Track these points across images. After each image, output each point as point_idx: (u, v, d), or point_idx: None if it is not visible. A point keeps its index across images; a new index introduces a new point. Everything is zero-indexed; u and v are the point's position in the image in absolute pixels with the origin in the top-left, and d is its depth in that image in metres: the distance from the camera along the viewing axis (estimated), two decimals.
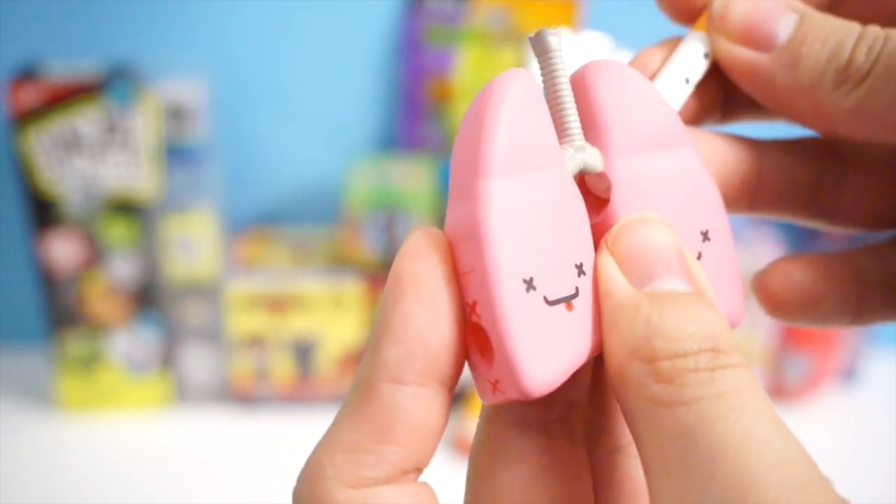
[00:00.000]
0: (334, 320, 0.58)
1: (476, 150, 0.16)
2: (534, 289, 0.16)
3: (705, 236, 0.18)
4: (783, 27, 0.19)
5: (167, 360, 0.60)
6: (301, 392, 0.60)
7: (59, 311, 0.57)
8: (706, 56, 0.20)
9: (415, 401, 0.16)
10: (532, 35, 0.17)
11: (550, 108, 0.18)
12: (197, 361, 0.60)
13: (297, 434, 0.58)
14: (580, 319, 0.16)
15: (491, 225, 0.15)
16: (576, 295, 0.16)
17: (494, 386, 0.16)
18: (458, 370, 0.16)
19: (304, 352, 0.59)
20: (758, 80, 0.19)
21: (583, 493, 0.18)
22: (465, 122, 0.17)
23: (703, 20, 0.21)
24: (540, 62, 0.18)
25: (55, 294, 0.56)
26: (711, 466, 0.14)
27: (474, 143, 0.16)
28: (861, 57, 0.18)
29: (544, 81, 0.18)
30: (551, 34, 0.17)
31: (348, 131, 0.65)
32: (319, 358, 0.59)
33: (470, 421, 0.55)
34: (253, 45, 0.61)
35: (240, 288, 0.57)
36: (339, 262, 0.59)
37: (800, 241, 0.60)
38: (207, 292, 0.59)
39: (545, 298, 0.16)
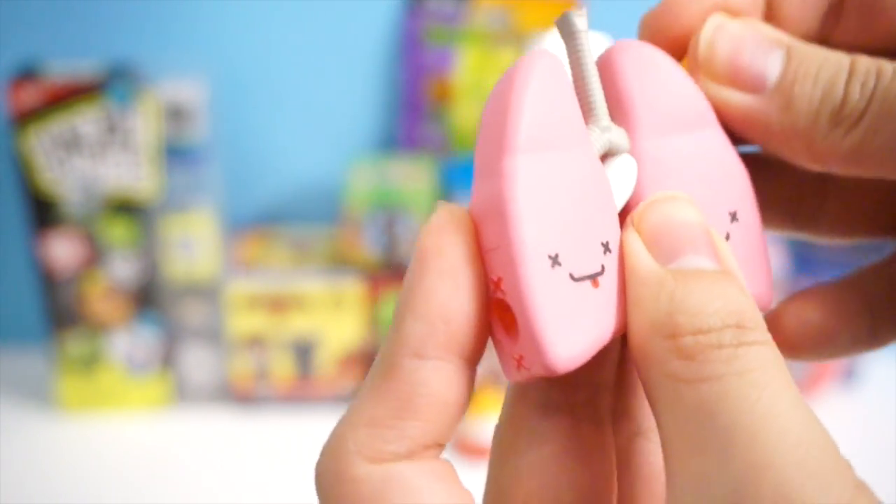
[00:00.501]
0: (334, 320, 0.58)
1: (502, 128, 0.16)
2: (559, 265, 0.16)
3: (734, 217, 0.18)
4: (771, 65, 0.18)
5: (167, 360, 0.60)
6: (301, 392, 0.60)
7: (59, 311, 0.57)
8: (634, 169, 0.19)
9: (437, 375, 0.16)
10: (557, 18, 0.17)
11: (576, 88, 0.18)
12: (197, 361, 0.60)
13: (297, 434, 0.58)
14: (606, 297, 0.16)
15: (516, 201, 0.15)
16: (601, 272, 0.16)
17: (519, 363, 0.16)
18: (482, 346, 0.16)
19: (304, 352, 0.59)
20: (751, 123, 0.18)
21: (605, 476, 0.18)
22: (490, 101, 0.17)
23: (687, 59, 0.20)
24: (566, 43, 0.18)
25: (55, 294, 0.56)
26: (730, 445, 0.13)
27: (500, 120, 0.16)
28: (855, 95, 0.17)
29: (570, 62, 0.18)
30: (577, 15, 0.17)
31: (348, 131, 0.65)
32: (319, 358, 0.59)
33: (470, 422, 0.55)
34: (253, 45, 0.61)
35: (240, 288, 0.57)
36: (339, 262, 0.59)
37: (801, 246, 0.61)
38: (207, 292, 0.59)
39: (571, 275, 0.16)
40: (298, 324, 0.58)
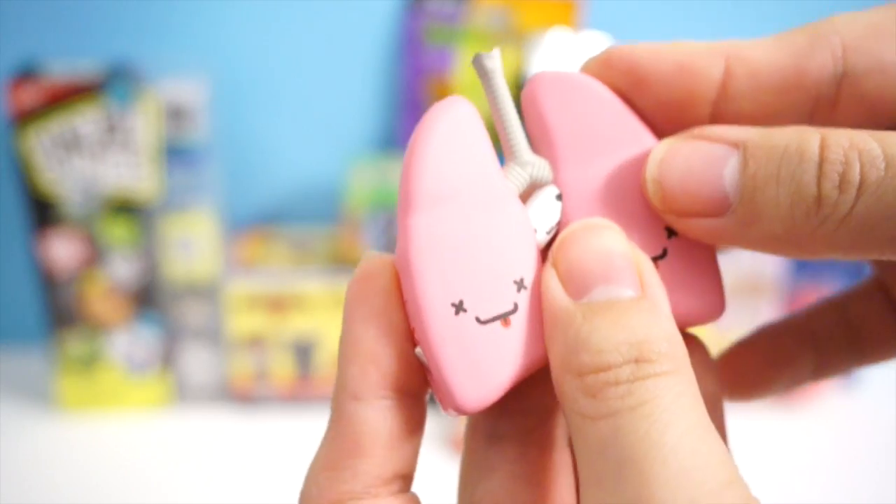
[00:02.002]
0: (334, 320, 0.58)
1: (405, 188, 0.17)
2: (464, 311, 0.17)
3: (671, 232, 0.18)
4: (728, 177, 0.16)
5: (167, 360, 0.60)
6: (301, 392, 0.60)
7: (59, 311, 0.57)
8: (559, 198, 0.18)
9: (377, 414, 0.16)
10: (472, 59, 0.18)
11: (497, 127, 0.18)
12: (197, 361, 0.60)
13: (297, 434, 0.58)
14: (518, 334, 0.17)
15: (417, 259, 0.16)
16: (514, 310, 0.17)
17: (440, 402, 0.17)
18: (417, 379, 0.17)
19: (304, 352, 0.59)
20: (729, 241, 0.17)
21: (560, 498, 0.19)
22: (405, 155, 0.18)
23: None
24: (483, 84, 0.18)
25: (55, 294, 0.56)
26: (620, 479, 0.14)
27: (404, 180, 0.17)
28: (832, 194, 0.15)
29: (489, 103, 0.18)
30: (486, 57, 0.18)
31: (348, 131, 0.65)
32: (319, 358, 0.59)
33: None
34: (253, 45, 0.61)
35: (240, 288, 0.57)
36: (339, 262, 0.59)
37: None
38: (207, 292, 0.59)
39: (477, 318, 0.17)
40: (298, 324, 0.58)
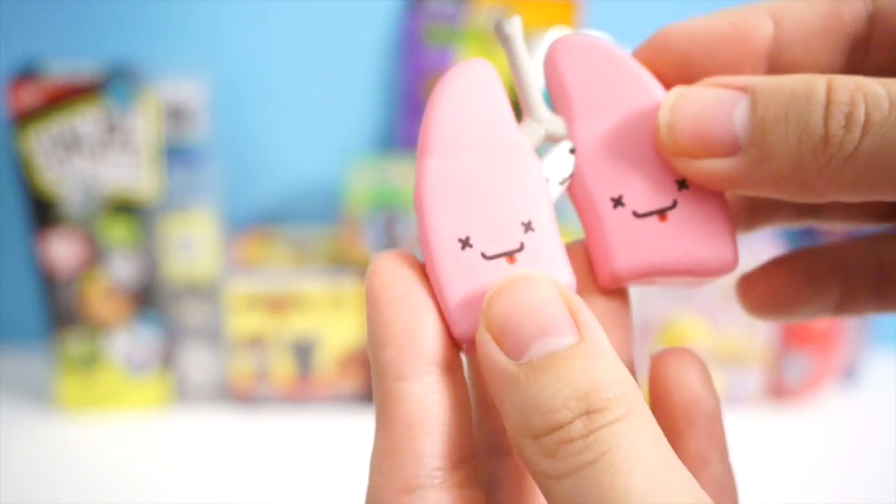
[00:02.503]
0: (334, 320, 0.58)
1: (423, 135, 0.18)
2: (470, 246, 0.18)
3: (682, 185, 0.19)
4: (738, 119, 0.17)
5: (167, 360, 0.60)
6: (301, 392, 0.60)
7: (59, 311, 0.57)
8: (572, 151, 0.19)
9: (425, 389, 0.16)
10: (494, 25, 0.19)
11: (516, 88, 0.19)
12: (197, 361, 0.60)
13: (297, 434, 0.58)
14: (525, 269, 0.18)
15: (426, 196, 0.18)
16: (520, 249, 0.18)
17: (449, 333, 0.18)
18: (453, 353, 0.17)
19: (304, 352, 0.59)
20: (738, 183, 0.17)
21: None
22: (425, 110, 0.19)
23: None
24: (504, 49, 0.19)
25: (55, 294, 0.56)
26: None
27: (422, 128, 0.18)
28: (838, 133, 0.16)
29: (510, 66, 0.19)
30: (507, 23, 0.19)
31: (348, 131, 0.65)
32: (319, 358, 0.59)
33: None
34: (253, 45, 0.61)
35: (240, 288, 0.57)
36: (339, 262, 0.59)
37: (798, 238, 0.60)
38: (207, 292, 0.59)
39: (483, 254, 0.18)
40: (298, 324, 0.58)
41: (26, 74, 0.53)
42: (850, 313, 0.22)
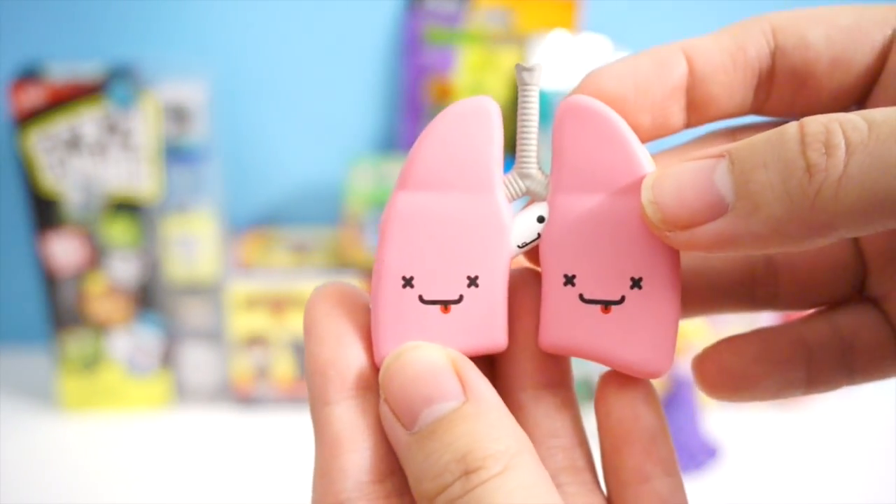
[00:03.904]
0: None
1: (404, 166, 0.19)
2: (411, 287, 0.19)
3: (636, 283, 0.19)
4: (719, 180, 0.17)
5: (167, 360, 0.60)
6: (301, 392, 0.60)
7: (61, 312, 0.57)
8: (541, 220, 0.19)
9: (347, 411, 0.18)
10: (516, 66, 0.19)
11: (517, 135, 0.19)
12: (197, 361, 0.61)
13: (296, 434, 0.58)
14: (454, 323, 0.19)
15: (387, 227, 0.19)
16: (457, 301, 0.19)
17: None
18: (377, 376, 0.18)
19: (303, 352, 0.59)
20: (735, 245, 0.17)
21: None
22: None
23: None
24: (518, 92, 0.19)
25: (56, 294, 0.57)
26: None
27: (406, 159, 0.19)
28: (820, 160, 0.15)
29: (518, 111, 0.19)
30: (528, 71, 0.19)
31: (348, 131, 0.65)
32: None
33: None
34: (253, 46, 0.62)
35: (240, 288, 0.57)
36: (339, 262, 0.60)
37: None
38: (208, 292, 0.59)
39: (420, 297, 0.19)
40: (298, 324, 0.58)
41: (28, 76, 0.53)
42: (823, 389, 0.22)
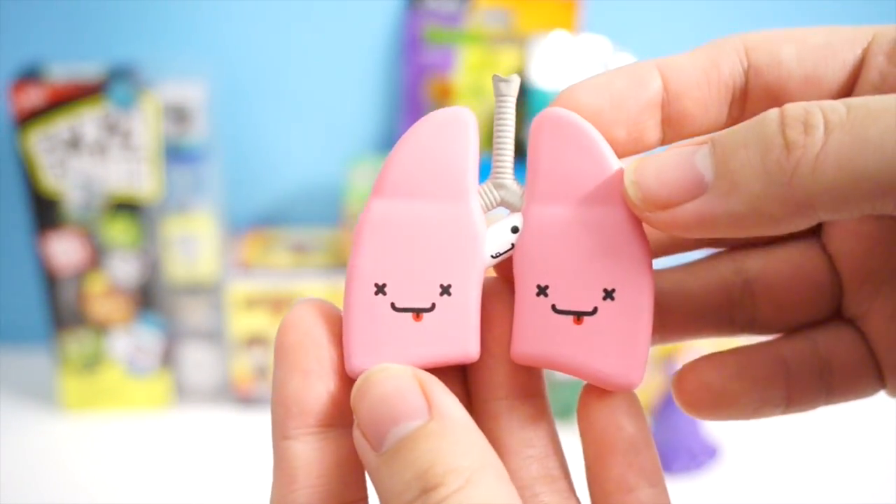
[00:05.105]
0: None
1: (379, 173, 0.19)
2: (384, 294, 0.19)
3: (608, 294, 0.19)
4: (700, 161, 0.17)
5: (167, 360, 0.60)
6: None
7: (61, 312, 0.57)
8: (515, 230, 0.19)
9: (305, 447, 0.18)
10: (493, 77, 0.19)
11: (493, 146, 0.19)
12: (197, 361, 0.61)
13: None
14: (425, 331, 0.19)
15: (360, 234, 0.19)
16: (430, 309, 0.19)
17: None
18: (341, 412, 0.18)
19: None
20: (714, 225, 0.17)
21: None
22: None
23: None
24: (495, 103, 0.19)
25: (57, 294, 0.57)
26: None
27: (382, 167, 0.19)
28: (799, 138, 0.15)
29: (494, 121, 0.19)
30: (504, 82, 0.19)
31: (348, 131, 0.65)
32: None
33: None
34: (253, 46, 0.62)
35: (240, 288, 0.58)
36: (339, 263, 0.60)
37: None
38: (208, 292, 0.59)
39: (392, 304, 0.19)
40: None
41: (28, 76, 0.53)
42: (802, 408, 0.22)
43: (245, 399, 0.60)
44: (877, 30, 0.19)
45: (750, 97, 0.20)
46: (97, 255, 0.56)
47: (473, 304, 0.19)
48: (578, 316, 0.19)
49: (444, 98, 0.62)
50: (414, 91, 0.62)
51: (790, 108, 0.16)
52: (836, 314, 0.22)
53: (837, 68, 0.19)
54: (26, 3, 0.59)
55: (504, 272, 0.20)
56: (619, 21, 0.61)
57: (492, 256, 0.19)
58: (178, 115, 0.56)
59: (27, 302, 0.64)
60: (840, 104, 0.16)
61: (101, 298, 0.57)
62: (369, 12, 0.61)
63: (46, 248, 0.55)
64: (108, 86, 0.53)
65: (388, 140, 0.65)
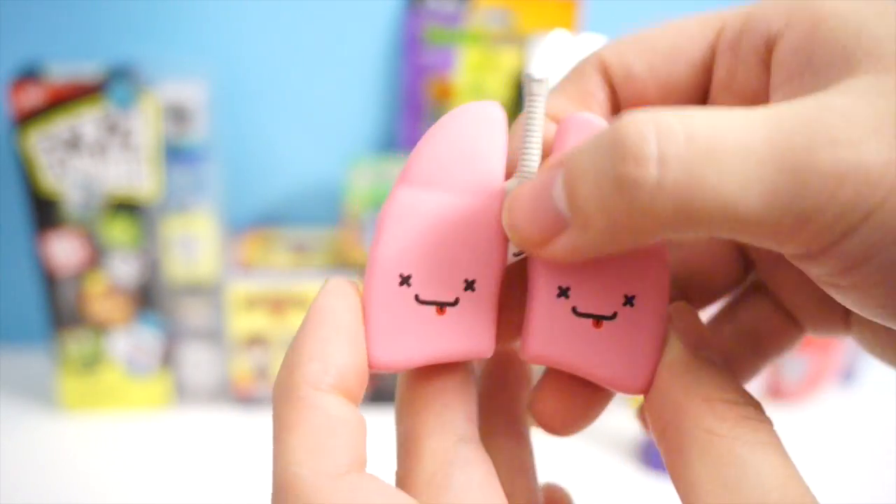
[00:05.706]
0: None
1: (407, 162, 0.19)
2: (408, 285, 0.18)
3: (629, 301, 0.19)
4: (557, 196, 0.17)
5: (167, 360, 0.60)
6: None
7: (61, 311, 0.57)
8: (515, 255, 0.19)
9: (340, 403, 0.17)
10: (525, 74, 0.19)
11: (522, 141, 0.19)
12: (197, 361, 0.61)
13: None
14: (448, 324, 0.19)
15: (385, 222, 0.18)
16: (453, 304, 0.19)
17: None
18: (361, 389, 0.18)
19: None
20: (588, 253, 0.17)
21: (528, 486, 0.21)
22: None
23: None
24: (525, 100, 0.19)
25: (56, 294, 0.57)
26: None
27: (410, 156, 0.19)
28: (632, 171, 0.15)
29: (524, 117, 0.19)
30: (536, 82, 0.19)
31: (348, 131, 0.65)
32: None
33: None
34: (253, 46, 0.62)
35: (240, 288, 0.58)
36: (339, 263, 0.60)
37: None
38: (208, 292, 0.59)
39: (416, 296, 0.18)
40: (298, 324, 0.58)
41: (28, 76, 0.53)
42: (746, 380, 0.23)
43: (245, 399, 0.60)
44: (725, 19, 0.19)
45: (622, 111, 0.20)
46: (97, 255, 0.56)
47: (494, 302, 0.19)
48: (598, 320, 0.19)
49: (443, 98, 0.62)
50: (414, 91, 0.62)
51: (628, 130, 0.15)
52: (744, 281, 0.23)
53: (689, 72, 0.19)
54: (26, 3, 0.59)
55: (515, 272, 0.20)
56: (619, 20, 0.61)
57: (514, 255, 0.19)
58: (178, 114, 0.56)
59: (27, 302, 0.64)
60: (681, 130, 0.15)
61: (101, 298, 0.57)
62: (369, 12, 0.61)
63: (46, 247, 0.55)
64: (108, 86, 0.53)
65: (387, 140, 0.65)
